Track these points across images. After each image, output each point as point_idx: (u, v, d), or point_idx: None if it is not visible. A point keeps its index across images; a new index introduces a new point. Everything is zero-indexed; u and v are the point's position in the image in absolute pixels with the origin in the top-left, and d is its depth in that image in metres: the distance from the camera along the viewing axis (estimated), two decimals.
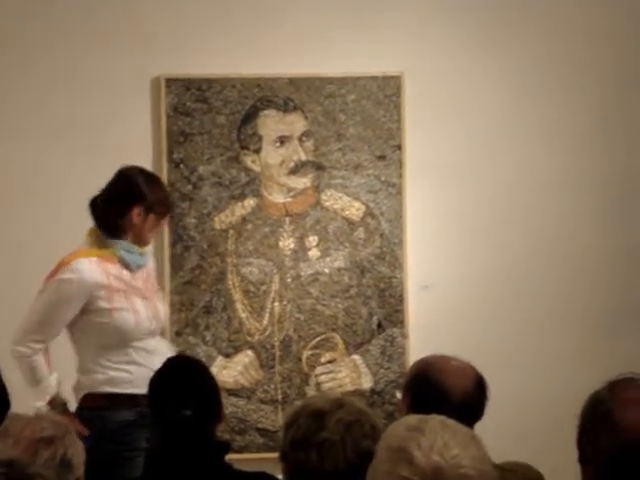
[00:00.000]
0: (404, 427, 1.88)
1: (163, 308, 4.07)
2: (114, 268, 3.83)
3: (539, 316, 4.92)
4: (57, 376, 3.85)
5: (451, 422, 1.91)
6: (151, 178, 3.95)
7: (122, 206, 3.85)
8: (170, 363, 3.28)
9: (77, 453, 2.43)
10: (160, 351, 3.94)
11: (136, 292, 3.87)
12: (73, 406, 3.90)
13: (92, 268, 3.78)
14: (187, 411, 2.99)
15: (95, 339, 3.81)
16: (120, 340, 3.80)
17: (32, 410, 3.34)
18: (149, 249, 4.26)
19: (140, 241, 3.91)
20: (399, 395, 2.97)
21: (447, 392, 2.79)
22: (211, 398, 3.09)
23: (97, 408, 3.80)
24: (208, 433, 3.04)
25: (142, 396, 3.68)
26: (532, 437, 4.73)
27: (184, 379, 3.11)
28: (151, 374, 3.58)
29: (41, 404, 3.75)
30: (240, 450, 4.60)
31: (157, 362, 3.74)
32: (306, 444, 2.40)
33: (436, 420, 1.90)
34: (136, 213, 3.85)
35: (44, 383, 3.81)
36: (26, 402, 3.58)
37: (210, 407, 3.07)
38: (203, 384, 3.11)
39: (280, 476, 2.95)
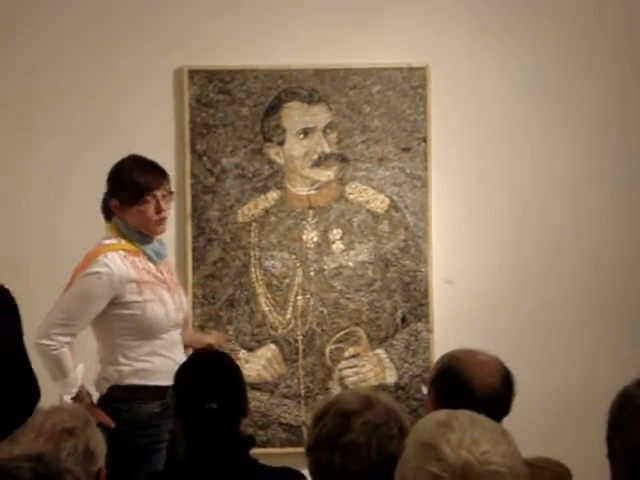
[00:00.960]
0: (433, 422, 1.85)
1: (184, 299, 4.05)
2: (140, 261, 3.83)
3: (563, 310, 4.88)
4: (82, 368, 3.84)
5: (481, 417, 1.88)
6: (119, 167, 3.89)
7: (109, 199, 3.87)
8: (196, 356, 3.27)
9: (98, 443, 2.41)
10: (181, 344, 3.94)
11: (162, 284, 3.87)
12: (94, 398, 3.88)
13: (121, 261, 3.78)
14: (212, 404, 2.97)
15: (124, 331, 3.80)
16: (149, 331, 3.80)
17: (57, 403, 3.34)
18: (171, 242, 4.25)
19: (150, 232, 3.86)
20: (425, 390, 2.94)
21: (473, 387, 2.77)
22: (236, 392, 3.08)
23: (125, 400, 3.80)
24: (233, 427, 3.02)
25: (167, 387, 3.70)
26: (558, 432, 4.70)
27: (209, 372, 3.10)
28: (175, 366, 3.61)
29: (68, 397, 3.74)
30: (263, 445, 4.56)
31: (180, 354, 3.76)
32: (331, 445, 2.38)
33: (465, 415, 1.87)
34: (114, 205, 3.84)
35: (70, 376, 3.79)
36: (51, 396, 3.60)
37: (235, 401, 3.05)
38: (229, 378, 3.10)
39: (304, 470, 2.93)
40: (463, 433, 1.81)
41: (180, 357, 3.81)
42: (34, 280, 4.56)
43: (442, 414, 1.89)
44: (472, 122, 4.83)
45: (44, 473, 1.87)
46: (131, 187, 3.81)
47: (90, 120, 4.70)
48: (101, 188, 3.95)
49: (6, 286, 3.52)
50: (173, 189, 4.06)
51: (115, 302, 3.77)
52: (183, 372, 3.16)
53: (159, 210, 3.83)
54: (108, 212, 3.90)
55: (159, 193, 3.83)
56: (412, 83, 4.77)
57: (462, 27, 4.83)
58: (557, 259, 4.88)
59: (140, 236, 3.84)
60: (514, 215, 4.86)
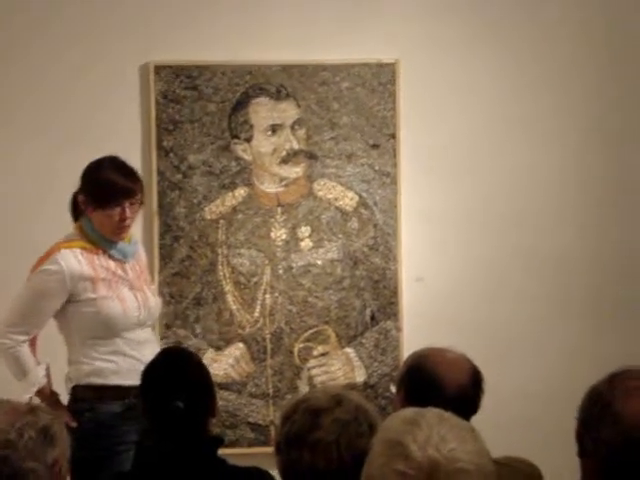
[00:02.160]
0: (400, 420, 1.84)
1: (155, 300, 3.98)
2: (99, 258, 3.77)
3: (535, 309, 4.89)
4: (46, 367, 3.79)
5: (448, 415, 1.88)
6: (95, 167, 3.79)
7: (76, 197, 3.81)
8: (163, 354, 3.25)
9: (61, 431, 2.35)
10: (151, 343, 3.89)
11: (123, 282, 3.81)
12: (66, 398, 3.83)
13: (75, 259, 3.72)
14: (179, 403, 2.94)
15: (82, 329, 3.75)
16: (107, 329, 3.74)
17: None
18: (138, 240, 4.19)
19: (108, 236, 3.78)
20: (393, 388, 2.91)
21: (441, 385, 2.77)
22: (204, 391, 3.06)
23: (84, 400, 3.75)
24: (201, 426, 3.01)
25: (129, 387, 3.66)
26: (529, 430, 4.70)
27: (177, 371, 3.08)
28: (139, 365, 3.59)
29: (29, 396, 3.68)
30: (231, 444, 4.52)
31: (148, 353, 3.70)
32: (300, 442, 2.36)
33: (433, 413, 1.86)
34: (81, 200, 3.77)
35: (31, 375, 3.75)
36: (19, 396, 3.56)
37: (203, 400, 3.04)
38: (196, 376, 3.08)
39: (272, 471, 2.90)
40: (430, 431, 1.80)
41: (148, 356, 3.69)
42: (14, 284, 4.51)
43: (409, 412, 1.87)
44: (442, 118, 4.81)
45: (9, 473, 1.83)
46: (100, 190, 3.73)
47: (54, 117, 4.63)
48: (65, 186, 3.87)
49: None
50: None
51: (71, 300, 3.72)
52: (150, 370, 3.13)
53: (123, 218, 3.74)
54: (76, 209, 3.84)
55: (127, 202, 3.73)
56: (381, 79, 4.74)
57: (432, 23, 4.81)
58: (529, 256, 4.87)
59: (102, 238, 3.78)
60: (484, 212, 4.85)
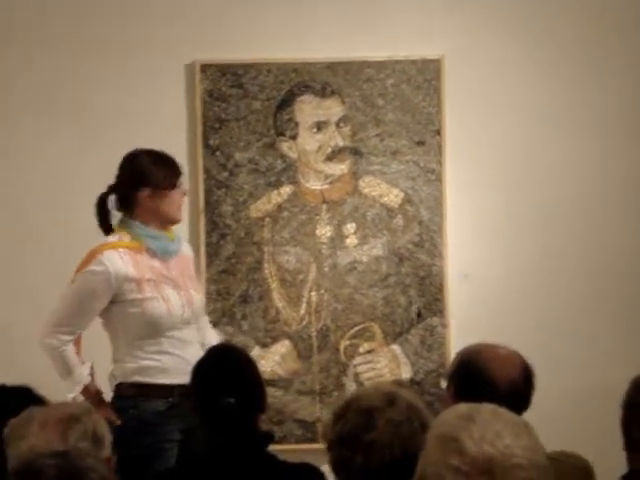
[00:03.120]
0: (455, 415, 1.83)
1: (199, 297, 3.99)
2: (143, 258, 3.79)
3: (579, 305, 4.85)
4: (90, 365, 3.83)
5: (503, 411, 1.86)
6: (152, 156, 3.85)
7: (131, 192, 3.81)
8: (214, 351, 3.26)
9: (105, 430, 2.39)
10: (195, 341, 3.90)
11: (167, 281, 3.82)
12: (109, 396, 3.86)
13: (121, 259, 3.75)
14: (231, 399, 2.95)
15: (127, 329, 3.78)
16: (153, 329, 3.76)
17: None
18: (184, 237, 4.21)
19: (167, 221, 3.85)
20: (444, 384, 2.90)
21: (493, 381, 2.76)
22: (255, 387, 3.08)
23: (129, 397, 3.77)
24: (251, 423, 3.02)
25: (173, 386, 3.69)
26: (576, 426, 4.66)
27: (228, 367, 3.10)
28: (183, 364, 3.65)
29: (73, 395, 3.72)
30: (278, 441, 4.50)
31: (191, 352, 3.73)
32: (353, 442, 2.36)
33: (488, 409, 1.85)
34: (144, 195, 3.79)
35: (76, 373, 3.78)
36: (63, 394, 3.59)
37: (254, 396, 3.06)
38: (247, 373, 3.10)
39: (322, 467, 2.91)
40: (485, 426, 1.79)
41: (193, 355, 3.70)
42: (46, 276, 4.55)
43: (464, 407, 1.86)
44: (486, 115, 4.79)
45: (68, 470, 1.85)
46: (167, 172, 3.82)
47: (103, 114, 4.68)
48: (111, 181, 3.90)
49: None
50: (186, 184, 4.04)
51: (116, 300, 3.74)
52: (200, 368, 3.15)
53: (183, 198, 3.92)
54: (104, 212, 3.85)
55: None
56: (426, 75, 4.73)
57: (476, 19, 4.79)
58: (576, 253, 4.83)
59: (150, 235, 3.80)
60: (529, 208, 4.82)
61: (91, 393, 3.79)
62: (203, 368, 3.14)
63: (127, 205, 3.83)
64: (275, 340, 4.71)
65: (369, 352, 4.75)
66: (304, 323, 4.73)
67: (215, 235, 4.70)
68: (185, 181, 4.01)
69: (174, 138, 4.60)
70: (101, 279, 3.71)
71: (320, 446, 4.56)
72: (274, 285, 4.72)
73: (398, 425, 2.35)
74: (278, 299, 4.72)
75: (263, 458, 2.99)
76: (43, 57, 4.70)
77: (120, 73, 4.68)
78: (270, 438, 3.06)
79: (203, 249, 4.67)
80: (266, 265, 4.72)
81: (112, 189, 3.86)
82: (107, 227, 3.85)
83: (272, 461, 3.00)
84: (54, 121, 4.68)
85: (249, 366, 3.15)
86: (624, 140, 4.86)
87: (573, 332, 4.82)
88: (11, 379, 3.07)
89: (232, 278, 4.70)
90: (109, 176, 3.92)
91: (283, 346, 4.71)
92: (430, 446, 1.81)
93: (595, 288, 4.85)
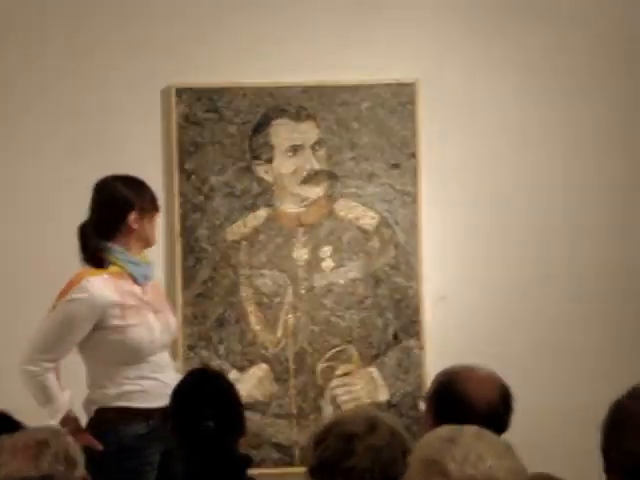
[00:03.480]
0: (437, 438, 1.84)
1: (173, 320, 4.00)
2: (125, 284, 3.78)
3: (558, 327, 4.86)
4: (69, 393, 3.80)
5: (486, 433, 1.88)
6: (128, 181, 3.86)
7: (117, 218, 3.79)
8: (193, 375, 3.24)
9: (76, 450, 2.37)
10: (171, 364, 3.93)
11: (147, 307, 3.82)
12: (83, 422, 3.83)
13: (104, 286, 3.72)
14: (210, 423, 2.95)
15: (109, 355, 3.75)
16: (134, 356, 3.75)
17: None
18: (160, 261, 4.21)
19: (147, 244, 3.88)
20: (422, 406, 2.91)
21: (471, 402, 2.77)
22: (234, 411, 3.07)
23: (109, 422, 3.75)
24: (231, 446, 3.00)
25: (154, 410, 3.68)
26: (550, 449, 4.66)
27: (207, 391, 3.09)
28: (163, 388, 3.66)
29: (54, 422, 3.68)
30: (256, 465, 4.49)
31: (169, 375, 3.74)
32: (333, 468, 2.35)
33: (470, 431, 1.87)
34: (133, 219, 3.80)
35: (56, 401, 3.74)
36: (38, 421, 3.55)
37: (233, 420, 3.04)
38: (226, 396, 3.09)
39: None
40: (468, 449, 1.80)
41: (169, 378, 3.76)
42: (22, 299, 4.53)
43: (446, 430, 1.88)
44: (462, 137, 4.81)
45: None
46: (151, 196, 3.86)
47: (77, 137, 4.66)
48: (87, 205, 3.88)
49: None
50: (162, 208, 4.04)
51: (98, 327, 3.72)
52: (179, 391, 3.14)
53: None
54: (85, 242, 3.84)
55: None
56: (401, 99, 4.75)
57: (450, 42, 4.82)
58: (553, 275, 4.85)
59: (131, 261, 3.80)
60: (505, 230, 4.84)
61: (70, 420, 3.76)
62: (182, 391, 3.14)
63: (107, 231, 3.81)
64: (252, 363, 4.70)
65: (346, 374, 4.75)
66: (281, 346, 4.72)
67: (191, 259, 4.69)
68: (161, 204, 4.01)
69: (150, 162, 4.61)
70: (85, 307, 3.69)
71: (298, 470, 4.60)
72: (251, 308, 4.72)
73: (379, 451, 2.34)
74: (255, 322, 4.72)
75: None
76: (16, 77, 4.67)
77: (96, 95, 4.66)
78: (249, 461, 3.06)
79: (179, 273, 4.67)
80: (242, 288, 4.72)
81: (93, 218, 3.83)
82: (91, 256, 3.81)
83: None
84: (28, 145, 4.66)
85: (228, 389, 3.14)
86: (600, 155, 4.89)
87: (552, 353, 4.83)
88: None
89: (208, 301, 4.70)
90: (84, 199, 3.89)
91: (260, 369, 4.70)
92: (413, 469, 1.82)
93: (577, 311, 4.86)
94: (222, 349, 4.70)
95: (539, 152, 4.87)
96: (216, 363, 4.63)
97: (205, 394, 3.07)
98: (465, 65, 4.82)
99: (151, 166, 4.58)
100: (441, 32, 4.82)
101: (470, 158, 4.82)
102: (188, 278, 4.68)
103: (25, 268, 4.63)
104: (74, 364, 3.82)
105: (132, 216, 3.79)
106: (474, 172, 4.82)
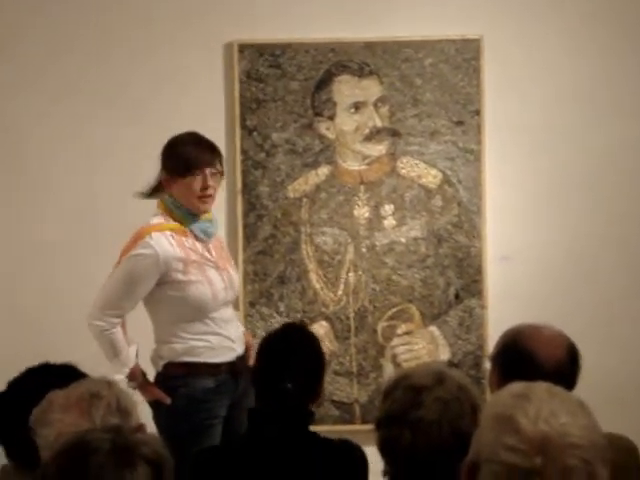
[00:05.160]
0: (509, 395, 1.81)
1: (236, 277, 4.01)
2: (187, 240, 3.78)
3: (620, 287, 4.81)
4: (136, 347, 3.84)
5: (558, 390, 1.84)
6: (178, 140, 3.82)
7: (161, 175, 3.81)
8: (282, 332, 3.21)
9: (128, 399, 2.38)
10: (235, 318, 3.98)
11: (210, 263, 3.82)
12: (151, 376, 3.87)
13: (167, 241, 3.73)
14: (288, 385, 2.96)
15: (172, 311, 3.78)
16: (197, 312, 3.76)
17: None
18: (221, 218, 4.20)
19: (193, 207, 3.78)
20: (488, 365, 2.88)
21: (539, 361, 2.75)
22: (313, 374, 3.06)
23: (178, 376, 3.78)
24: (304, 409, 3.04)
25: (221, 364, 3.72)
26: (619, 409, 4.62)
27: (291, 352, 3.08)
28: (228, 342, 3.78)
29: (121, 376, 3.72)
30: (316, 422, 4.49)
31: (233, 330, 3.76)
32: (401, 420, 2.34)
33: (542, 387, 1.83)
34: (164, 178, 3.79)
35: (123, 355, 3.79)
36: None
37: (311, 384, 3.05)
38: (309, 359, 3.08)
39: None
40: (541, 405, 1.77)
41: (234, 333, 3.84)
42: (82, 260, 4.57)
43: (518, 386, 1.84)
44: (526, 95, 4.75)
45: (122, 444, 1.85)
46: (180, 159, 3.75)
47: (139, 95, 4.67)
48: (150, 163, 3.88)
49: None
50: (224, 165, 3.99)
51: (162, 282, 3.73)
52: (266, 346, 3.14)
53: (205, 186, 3.74)
54: (157, 189, 3.86)
55: (208, 170, 3.75)
56: (465, 55, 4.69)
57: None
58: (614, 234, 4.79)
59: (187, 214, 3.79)
60: (569, 189, 4.78)
61: (137, 375, 3.81)
62: (268, 348, 3.13)
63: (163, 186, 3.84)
64: (313, 321, 4.70)
65: (407, 334, 4.73)
66: (342, 304, 4.71)
67: (252, 216, 4.68)
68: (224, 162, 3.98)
69: (212, 118, 4.59)
70: (149, 262, 3.69)
71: (358, 427, 4.60)
72: (311, 266, 4.71)
73: (446, 403, 2.33)
74: (316, 280, 4.71)
75: (304, 435, 3.01)
76: (77, 37, 4.68)
77: (158, 53, 4.66)
78: (312, 417, 3.07)
79: (240, 230, 4.66)
80: (303, 246, 4.71)
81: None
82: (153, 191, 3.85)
83: (313, 438, 3.03)
84: (89, 104, 4.67)
85: (313, 351, 3.13)
86: None
87: (614, 314, 4.78)
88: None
89: (269, 259, 4.69)
90: (146, 157, 3.90)
91: (321, 327, 4.70)
92: (484, 426, 1.79)
93: (636, 272, 4.80)
94: (283, 306, 4.70)
95: (605, 110, 4.79)
96: (277, 320, 4.63)
97: (290, 353, 3.07)
98: (531, 21, 4.74)
99: (213, 123, 4.56)
100: None
101: (535, 116, 4.75)
102: (249, 235, 4.67)
103: (80, 232, 4.67)
104: (142, 319, 3.85)
105: (163, 175, 3.80)
106: (539, 131, 4.76)
